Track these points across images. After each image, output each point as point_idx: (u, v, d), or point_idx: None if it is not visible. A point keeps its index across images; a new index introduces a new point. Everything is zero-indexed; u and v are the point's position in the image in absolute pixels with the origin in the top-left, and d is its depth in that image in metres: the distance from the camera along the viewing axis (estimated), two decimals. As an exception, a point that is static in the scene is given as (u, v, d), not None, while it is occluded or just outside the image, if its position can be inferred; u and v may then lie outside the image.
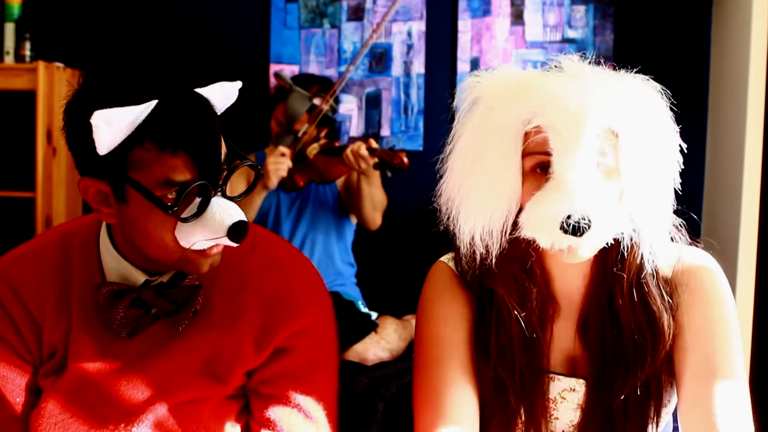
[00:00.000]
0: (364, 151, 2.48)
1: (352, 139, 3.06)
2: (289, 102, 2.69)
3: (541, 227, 1.06)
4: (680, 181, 1.14)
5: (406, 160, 2.48)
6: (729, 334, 1.16)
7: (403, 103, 3.11)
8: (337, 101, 2.86)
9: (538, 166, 1.09)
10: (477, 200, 1.12)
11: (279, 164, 2.56)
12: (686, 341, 1.16)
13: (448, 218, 1.16)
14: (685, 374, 1.15)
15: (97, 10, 3.24)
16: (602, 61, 1.13)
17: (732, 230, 2.58)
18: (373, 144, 2.51)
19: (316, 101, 2.69)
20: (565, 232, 1.02)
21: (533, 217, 1.06)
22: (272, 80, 3.14)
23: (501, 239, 1.12)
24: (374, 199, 2.67)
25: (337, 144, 2.68)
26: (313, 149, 2.66)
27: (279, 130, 2.73)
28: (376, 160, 2.50)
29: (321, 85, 2.79)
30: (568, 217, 1.02)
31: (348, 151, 2.50)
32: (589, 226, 1.02)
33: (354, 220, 2.85)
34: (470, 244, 1.14)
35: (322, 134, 2.74)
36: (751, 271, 2.53)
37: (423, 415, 1.18)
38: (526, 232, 1.08)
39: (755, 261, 2.53)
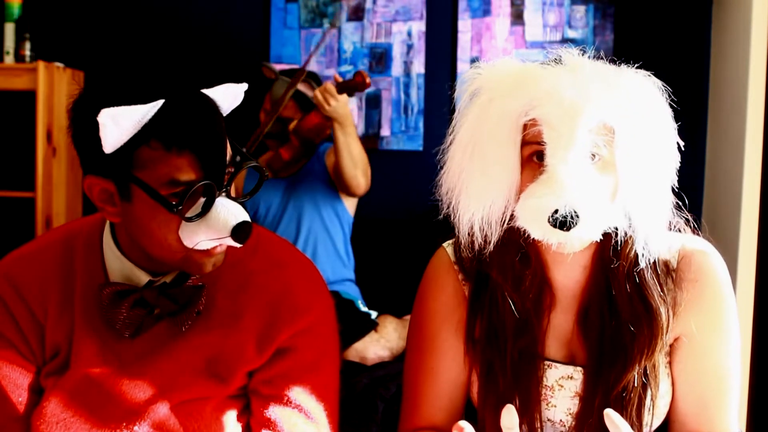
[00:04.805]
0: (330, 86, 2.54)
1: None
2: (274, 89, 2.71)
3: (531, 219, 1.07)
4: (680, 179, 1.14)
5: (368, 80, 2.57)
6: (729, 341, 1.20)
7: (403, 103, 3.11)
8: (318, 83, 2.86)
9: (535, 154, 1.10)
10: (476, 189, 1.13)
11: None
12: (685, 341, 1.19)
13: (449, 207, 1.17)
14: (680, 373, 1.20)
15: (97, 10, 3.24)
16: (604, 56, 1.13)
17: (732, 229, 2.59)
18: (339, 78, 2.62)
19: (300, 87, 2.70)
20: (554, 226, 1.04)
21: (525, 209, 1.08)
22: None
23: (500, 228, 1.14)
24: (352, 152, 2.60)
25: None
26: (292, 124, 2.70)
27: (267, 119, 2.72)
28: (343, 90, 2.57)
29: (308, 75, 2.79)
30: (556, 211, 1.03)
31: (316, 91, 2.56)
32: (576, 222, 1.03)
33: (348, 208, 2.82)
34: (469, 233, 1.15)
35: None
36: (751, 269, 2.53)
37: (405, 400, 1.29)
38: (519, 222, 1.10)
39: (755, 260, 2.53)
